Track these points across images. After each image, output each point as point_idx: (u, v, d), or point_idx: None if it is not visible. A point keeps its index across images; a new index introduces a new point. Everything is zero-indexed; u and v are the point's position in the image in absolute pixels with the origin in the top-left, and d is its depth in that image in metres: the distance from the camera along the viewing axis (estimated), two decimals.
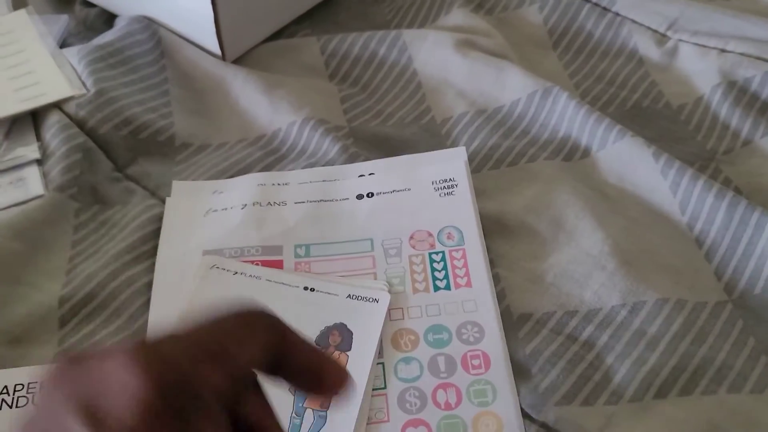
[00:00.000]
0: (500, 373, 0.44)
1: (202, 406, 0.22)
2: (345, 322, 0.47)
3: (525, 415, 0.43)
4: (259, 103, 0.60)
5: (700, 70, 0.62)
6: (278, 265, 0.50)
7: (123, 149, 0.57)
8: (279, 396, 0.41)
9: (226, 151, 0.58)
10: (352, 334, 0.46)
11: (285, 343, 0.26)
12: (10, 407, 0.42)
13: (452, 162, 0.55)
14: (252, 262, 0.50)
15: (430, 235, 0.51)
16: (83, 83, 0.59)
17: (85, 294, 0.48)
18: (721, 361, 0.45)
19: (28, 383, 0.43)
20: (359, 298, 0.48)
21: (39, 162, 0.54)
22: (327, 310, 0.47)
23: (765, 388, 0.43)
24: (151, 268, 0.49)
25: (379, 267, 0.50)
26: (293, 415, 0.43)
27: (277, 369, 0.26)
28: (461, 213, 0.52)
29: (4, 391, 0.42)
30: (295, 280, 0.49)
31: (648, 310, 0.47)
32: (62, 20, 0.67)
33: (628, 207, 0.53)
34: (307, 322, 0.47)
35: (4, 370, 0.43)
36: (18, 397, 0.42)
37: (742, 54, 0.62)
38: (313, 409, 0.43)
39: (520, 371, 0.44)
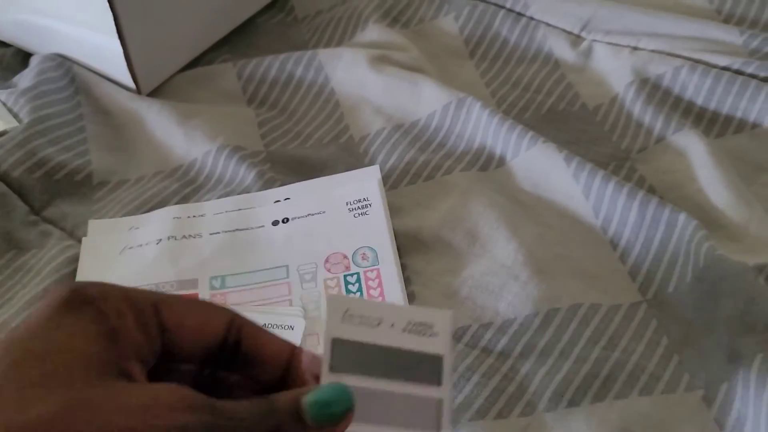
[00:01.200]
0: None
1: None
2: None
3: None
4: (175, 134, 0.59)
5: (614, 69, 0.62)
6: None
7: (38, 191, 0.56)
8: None
9: (144, 185, 0.57)
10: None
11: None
12: None
13: (366, 181, 0.55)
14: None
15: (345, 257, 0.51)
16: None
17: None
18: (634, 364, 0.45)
19: None
20: (274, 326, 0.48)
21: None
22: None
23: (676, 388, 0.44)
24: None
25: (294, 293, 0.50)
26: None
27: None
28: (375, 233, 0.52)
29: None
30: None
31: (561, 317, 0.47)
32: None
33: (543, 214, 0.54)
34: None
35: None
36: None
37: (653, 51, 0.62)
38: None
39: None
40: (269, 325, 0.48)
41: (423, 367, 0.40)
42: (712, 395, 0.43)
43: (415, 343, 0.41)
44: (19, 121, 0.59)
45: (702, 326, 0.46)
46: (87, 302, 0.25)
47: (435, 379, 0.40)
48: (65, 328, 0.25)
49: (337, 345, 0.41)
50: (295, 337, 0.47)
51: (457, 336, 0.47)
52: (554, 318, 0.47)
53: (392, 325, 0.42)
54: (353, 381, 0.39)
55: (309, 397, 0.27)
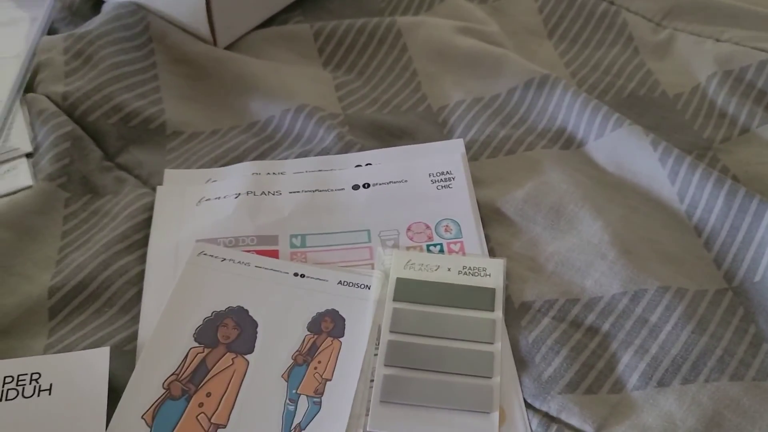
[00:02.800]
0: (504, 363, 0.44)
1: None
2: (337, 308, 0.46)
3: (528, 406, 0.42)
4: (252, 90, 0.58)
5: (695, 59, 0.62)
6: (274, 254, 0.49)
7: (113, 137, 0.55)
8: (272, 382, 0.41)
9: (219, 138, 0.56)
10: (344, 320, 0.45)
11: None
12: (1, 400, 0.40)
13: (450, 154, 0.54)
14: (247, 252, 0.49)
15: (428, 227, 0.51)
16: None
17: (75, 284, 0.46)
18: (723, 349, 0.44)
19: (18, 375, 0.41)
20: (350, 284, 0.47)
21: (28, 154, 0.53)
22: (318, 296, 0.46)
23: (767, 377, 0.43)
24: (143, 258, 0.48)
25: (376, 258, 0.49)
26: (287, 402, 0.42)
27: None
28: (459, 206, 0.52)
29: None
30: (285, 266, 0.48)
31: (649, 299, 0.46)
32: (47, 4, 0.66)
33: (627, 195, 0.53)
34: (298, 308, 0.46)
35: None
36: (7, 390, 0.41)
37: (737, 43, 0.62)
38: (307, 396, 0.42)
39: (522, 361, 0.44)
40: (344, 282, 0.47)
41: (477, 297, 0.45)
42: None
43: (470, 281, 0.44)
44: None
45: None
46: None
47: (489, 305, 0.44)
48: None
49: (400, 283, 0.44)
50: (371, 297, 0.46)
51: (543, 309, 0.46)
52: (642, 299, 0.46)
53: (449, 269, 0.45)
54: (414, 308, 0.43)
55: None
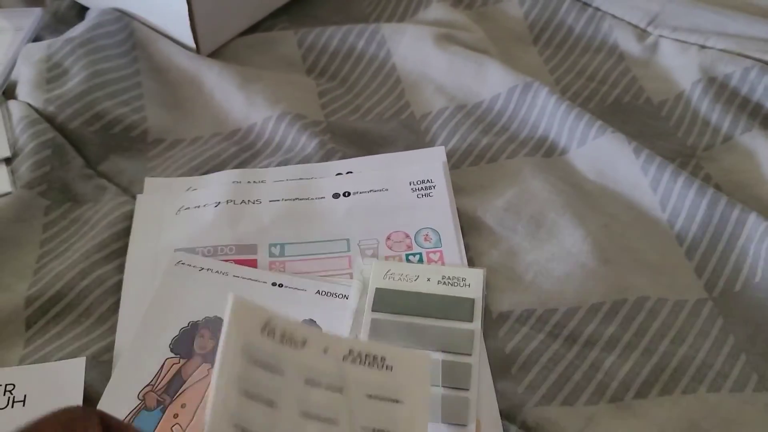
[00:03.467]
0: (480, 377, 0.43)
1: None
2: (315, 319, 0.46)
3: (505, 416, 0.42)
4: (234, 97, 0.58)
5: (680, 66, 0.62)
6: (252, 264, 0.49)
7: (95, 145, 0.55)
8: None
9: (201, 145, 0.56)
10: (321, 330, 0.45)
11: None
12: None
13: (431, 162, 0.54)
14: (226, 261, 0.48)
15: (407, 236, 0.50)
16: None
17: (53, 294, 0.46)
18: (701, 360, 0.44)
19: None
20: (328, 294, 0.47)
21: (6, 159, 0.53)
22: (296, 306, 0.46)
23: (744, 387, 0.43)
24: (122, 268, 0.48)
25: (355, 267, 0.49)
26: None
27: None
28: (439, 215, 0.51)
29: None
30: (264, 276, 0.48)
31: (628, 309, 0.46)
32: (35, 14, 0.66)
33: (608, 204, 0.53)
34: None
35: None
36: None
37: (722, 50, 0.61)
38: None
39: (499, 371, 0.44)
40: (323, 293, 0.47)
41: (457, 308, 0.45)
42: None
43: (450, 291, 0.44)
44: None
45: None
46: None
47: (468, 316, 0.43)
48: None
49: (379, 293, 0.44)
50: (349, 307, 0.46)
51: (521, 319, 0.46)
52: (621, 309, 0.46)
53: (428, 279, 0.45)
54: (393, 318, 0.42)
55: None
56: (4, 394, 0.41)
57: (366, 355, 0.42)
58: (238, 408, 0.38)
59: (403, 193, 0.52)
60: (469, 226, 0.51)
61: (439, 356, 0.43)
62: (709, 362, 0.44)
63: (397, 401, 0.41)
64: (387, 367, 0.42)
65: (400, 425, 0.40)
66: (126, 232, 0.50)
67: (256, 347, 0.40)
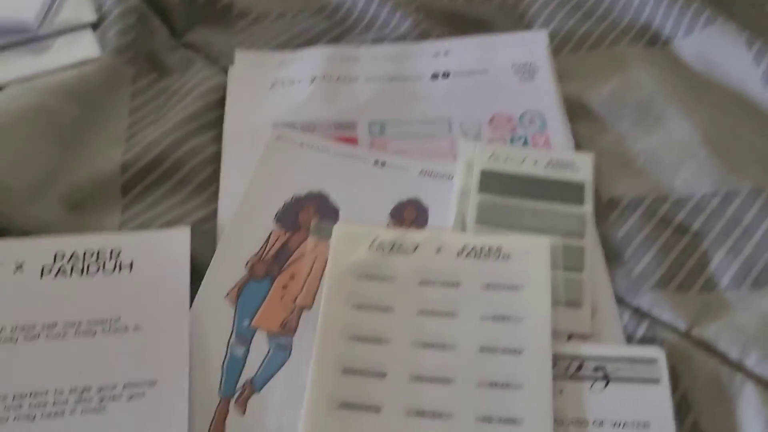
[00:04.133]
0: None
1: None
2: (420, 198, 0.44)
3: (619, 300, 0.41)
4: None
5: None
6: (352, 141, 0.47)
7: (179, 15, 0.53)
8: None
9: (288, 21, 0.54)
10: (427, 209, 0.44)
11: None
12: (81, 274, 0.40)
13: (532, 45, 0.52)
14: (325, 137, 0.47)
15: (510, 119, 0.48)
16: None
17: (149, 161, 0.45)
18: None
19: (98, 250, 0.40)
20: (433, 174, 0.45)
21: (93, 25, 0.50)
22: (399, 185, 0.45)
23: None
24: (217, 138, 0.46)
25: (459, 149, 0.47)
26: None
27: None
28: (543, 98, 0.49)
29: (74, 257, 0.40)
30: (365, 154, 0.46)
31: (742, 200, 0.45)
32: None
33: (717, 96, 0.51)
34: (379, 197, 0.44)
35: (72, 236, 0.41)
36: (87, 265, 0.40)
37: None
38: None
39: (611, 256, 0.43)
40: (427, 173, 0.45)
41: (566, 191, 0.44)
42: None
43: (558, 175, 0.43)
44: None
45: None
46: None
47: (578, 199, 0.43)
48: None
49: (485, 174, 0.43)
50: (454, 189, 0.45)
51: (632, 206, 0.45)
52: (734, 199, 0.45)
53: (535, 162, 0.44)
54: (500, 200, 0.41)
55: None
56: (111, 259, 0.40)
57: (481, 248, 0.41)
58: (349, 321, 0.38)
59: (504, 76, 0.50)
60: (573, 112, 0.49)
61: (553, 239, 0.42)
62: None
63: (516, 287, 0.40)
64: (503, 256, 0.41)
65: (523, 309, 0.39)
66: (218, 104, 0.48)
67: (365, 263, 0.40)
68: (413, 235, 0.42)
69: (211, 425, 0.36)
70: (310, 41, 0.52)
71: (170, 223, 0.43)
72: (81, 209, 0.43)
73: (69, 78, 0.47)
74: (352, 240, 0.41)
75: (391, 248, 0.41)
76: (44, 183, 0.43)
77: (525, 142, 0.47)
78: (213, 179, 0.45)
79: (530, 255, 0.41)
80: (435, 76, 0.50)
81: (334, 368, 0.37)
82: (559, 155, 0.46)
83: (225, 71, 0.50)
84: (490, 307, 0.39)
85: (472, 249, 0.41)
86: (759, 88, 0.50)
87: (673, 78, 0.51)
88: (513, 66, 0.50)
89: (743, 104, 0.50)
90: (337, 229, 0.42)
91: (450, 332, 0.38)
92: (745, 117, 0.50)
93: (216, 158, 0.45)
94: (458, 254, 0.41)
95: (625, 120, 0.49)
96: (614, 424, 0.36)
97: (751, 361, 0.38)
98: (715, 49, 0.52)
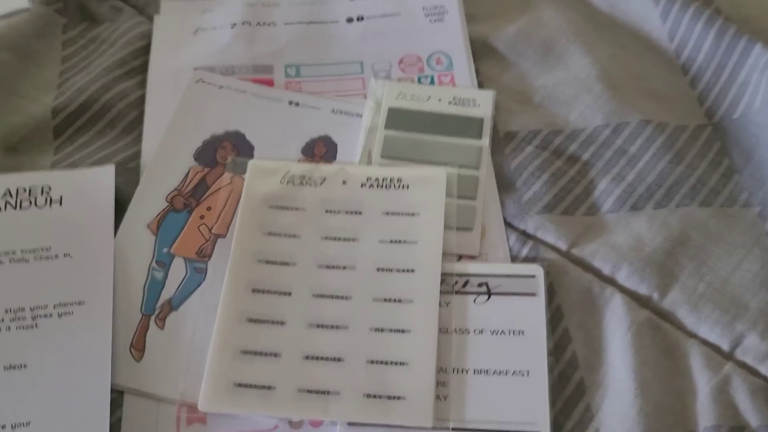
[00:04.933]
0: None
1: None
2: (330, 135, 0.48)
3: (507, 224, 0.45)
4: None
5: None
6: (269, 83, 0.50)
7: None
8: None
9: None
10: (336, 145, 0.47)
11: None
12: (15, 209, 0.43)
13: None
14: (243, 80, 0.50)
15: (419, 59, 0.52)
16: None
17: (78, 105, 0.48)
18: (696, 178, 0.47)
19: (30, 187, 0.44)
20: (343, 112, 0.49)
21: None
22: (311, 123, 0.48)
23: (734, 203, 0.46)
24: (143, 83, 0.50)
25: (368, 89, 0.50)
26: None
27: None
28: (451, 39, 0.52)
29: (7, 193, 0.44)
30: (280, 95, 0.49)
31: (630, 131, 0.48)
32: None
33: (618, 34, 0.54)
34: (292, 135, 0.48)
35: (6, 175, 0.44)
36: (21, 200, 0.44)
37: None
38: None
39: (504, 184, 0.46)
40: (337, 111, 0.49)
41: (466, 126, 0.48)
42: (767, 213, 0.46)
43: (460, 111, 0.46)
44: None
45: (765, 151, 0.48)
46: None
47: (476, 134, 0.47)
48: None
49: (392, 112, 0.47)
50: (362, 125, 0.48)
51: (527, 138, 0.48)
52: (623, 131, 0.48)
53: (439, 100, 0.47)
54: (405, 135, 0.45)
55: None
56: (42, 194, 0.44)
57: (383, 179, 0.45)
58: (259, 247, 0.42)
59: (415, 18, 0.53)
60: (480, 52, 0.52)
61: (449, 170, 0.46)
62: (704, 180, 0.47)
63: (413, 214, 0.44)
64: (403, 186, 0.45)
65: (417, 234, 0.43)
66: (144, 51, 0.51)
67: (277, 195, 0.44)
68: (321, 169, 0.45)
69: (133, 338, 0.40)
70: None
71: (99, 163, 0.46)
72: (16, 151, 0.47)
73: (0, 28, 0.50)
74: (265, 174, 0.45)
75: (301, 181, 0.45)
76: None
77: (432, 81, 0.51)
78: (138, 122, 0.48)
79: (427, 185, 0.45)
80: (350, 20, 0.53)
81: (245, 288, 0.41)
82: (462, 93, 0.49)
83: (151, 20, 0.53)
84: (388, 232, 0.43)
85: (375, 180, 0.45)
86: (658, 26, 0.53)
87: (578, 17, 0.54)
88: (424, 9, 0.53)
89: (643, 41, 0.54)
90: (252, 165, 0.46)
91: (350, 255, 0.42)
92: (643, 53, 0.53)
93: (141, 101, 0.49)
94: (362, 185, 0.45)
95: (528, 58, 0.52)
96: (492, 332, 0.41)
97: (622, 276, 0.43)
98: None
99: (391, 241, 0.43)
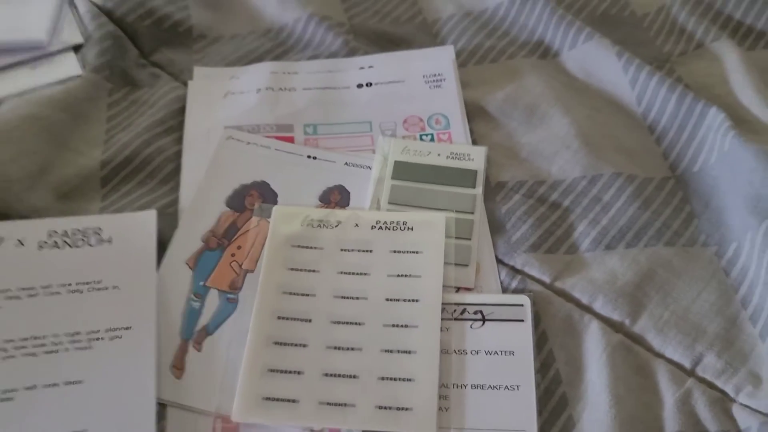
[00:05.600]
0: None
1: None
2: (343, 184, 0.55)
3: (498, 261, 0.52)
4: (268, 0, 0.66)
5: None
6: (290, 140, 0.57)
7: (147, 38, 0.63)
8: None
9: (239, 41, 0.64)
10: (349, 193, 0.54)
11: None
12: (71, 247, 0.50)
13: (441, 58, 0.63)
14: (268, 137, 0.57)
15: (421, 120, 0.59)
16: None
17: (122, 159, 0.55)
18: (662, 222, 0.54)
19: (84, 228, 0.50)
20: (355, 165, 0.56)
21: (76, 47, 0.61)
22: (327, 174, 0.55)
23: (694, 243, 0.53)
24: (179, 140, 0.57)
25: (377, 145, 0.58)
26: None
27: None
28: (448, 103, 0.60)
29: (64, 234, 0.50)
30: (300, 150, 0.57)
31: (604, 181, 0.56)
32: None
33: (593, 98, 0.62)
34: (310, 184, 0.55)
35: (64, 218, 0.51)
36: (76, 240, 0.50)
37: None
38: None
39: (496, 227, 0.53)
40: (350, 164, 0.56)
41: (462, 177, 0.55)
42: (722, 251, 0.52)
43: (457, 164, 0.53)
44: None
45: (720, 199, 0.55)
46: None
47: (471, 184, 0.54)
48: None
49: (397, 164, 0.54)
50: (372, 176, 0.55)
51: (515, 188, 0.55)
52: (598, 181, 0.56)
53: (439, 154, 0.54)
54: (409, 185, 0.51)
55: None
56: (94, 235, 0.50)
57: (390, 222, 0.52)
58: (283, 280, 0.49)
59: (417, 84, 0.61)
60: (473, 114, 0.60)
61: (447, 215, 0.53)
62: (668, 224, 0.54)
63: (417, 252, 0.50)
64: (408, 228, 0.52)
65: (421, 269, 0.49)
66: (180, 112, 0.58)
67: (298, 236, 0.51)
68: (336, 214, 0.52)
69: (174, 359, 0.46)
70: (257, 58, 0.63)
71: (140, 208, 0.53)
72: (68, 198, 0.53)
73: (56, 92, 0.57)
74: (288, 218, 0.52)
75: (319, 224, 0.52)
76: (38, 176, 0.53)
77: (432, 139, 0.58)
78: (175, 173, 0.55)
79: (429, 227, 0.52)
80: (360, 86, 0.61)
81: (271, 316, 0.47)
82: (458, 148, 0.57)
83: (185, 84, 0.60)
84: (396, 268, 0.50)
85: (383, 223, 0.52)
86: (628, 91, 0.61)
87: (558, 84, 0.62)
88: (424, 76, 0.61)
89: (615, 105, 0.61)
90: (276, 210, 0.52)
91: (363, 287, 0.49)
92: (615, 115, 0.61)
93: (178, 156, 0.56)
94: (372, 228, 0.52)
95: (515, 119, 0.60)
96: (487, 353, 0.47)
97: (598, 305, 0.49)
98: (593, 59, 0.63)
99: (398, 276, 0.49)
